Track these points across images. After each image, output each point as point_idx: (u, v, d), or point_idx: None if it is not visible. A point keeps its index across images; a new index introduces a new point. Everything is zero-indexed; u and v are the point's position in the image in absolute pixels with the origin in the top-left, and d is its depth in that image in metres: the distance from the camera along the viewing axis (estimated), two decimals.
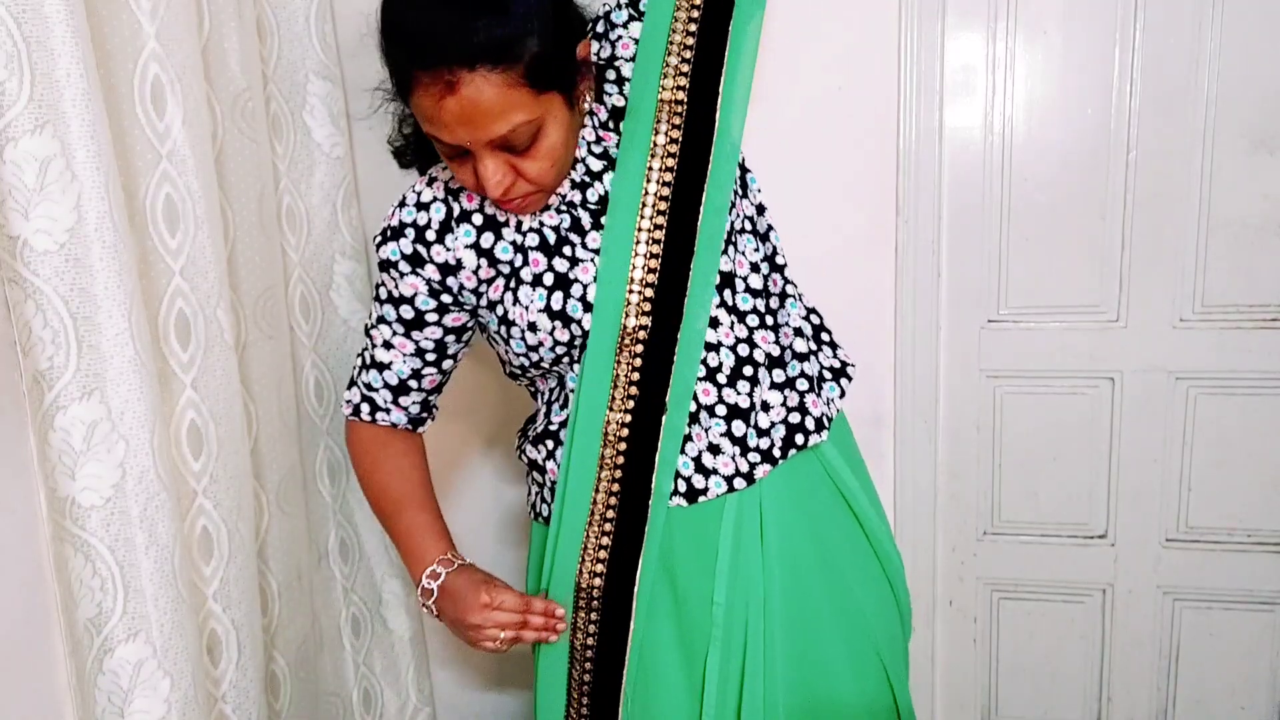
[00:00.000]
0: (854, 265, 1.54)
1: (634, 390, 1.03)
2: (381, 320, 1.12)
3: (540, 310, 1.03)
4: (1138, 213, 1.50)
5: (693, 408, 1.05)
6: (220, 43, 1.19)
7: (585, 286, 1.03)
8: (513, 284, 1.05)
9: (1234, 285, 1.50)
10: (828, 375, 1.15)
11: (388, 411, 1.16)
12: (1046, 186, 1.52)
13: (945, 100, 1.50)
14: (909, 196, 1.52)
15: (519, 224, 1.05)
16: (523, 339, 1.05)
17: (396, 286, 1.09)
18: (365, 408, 1.17)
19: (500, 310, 1.05)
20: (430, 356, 1.12)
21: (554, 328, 1.03)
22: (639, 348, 1.02)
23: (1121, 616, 1.65)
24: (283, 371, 1.33)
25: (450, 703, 1.82)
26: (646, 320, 1.02)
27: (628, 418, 1.03)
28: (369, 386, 1.15)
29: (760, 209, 1.12)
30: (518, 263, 1.05)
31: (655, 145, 1.02)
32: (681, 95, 1.02)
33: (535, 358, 1.07)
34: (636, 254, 1.02)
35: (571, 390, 1.08)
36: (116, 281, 0.96)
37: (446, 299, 1.08)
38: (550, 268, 1.04)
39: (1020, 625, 1.69)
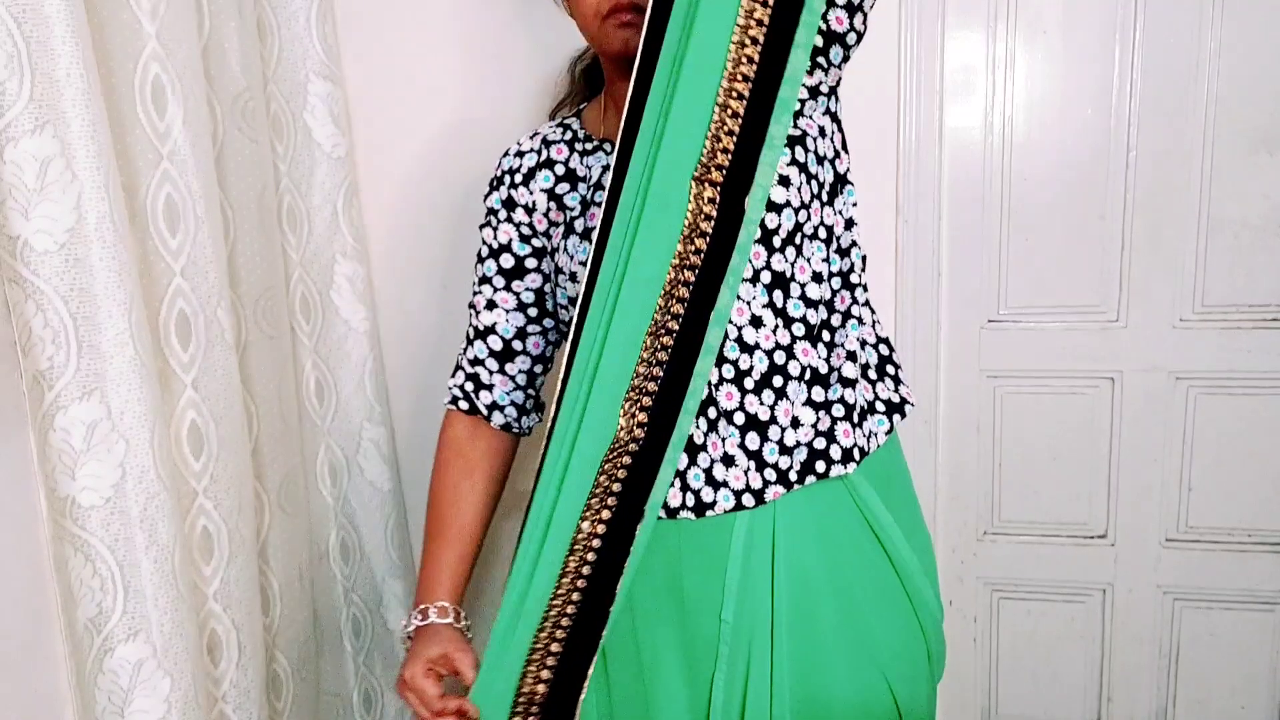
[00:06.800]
0: None
1: (611, 501, 0.95)
2: (484, 280, 1.14)
3: (581, 263, 1.05)
4: (1138, 213, 1.50)
5: (712, 414, 1.00)
6: (220, 43, 1.19)
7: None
8: (566, 233, 1.08)
9: (1234, 285, 1.50)
10: (880, 408, 1.08)
11: (491, 389, 1.15)
12: (1046, 186, 1.52)
13: (945, 100, 1.50)
14: (909, 197, 1.52)
15: (596, 181, 1.08)
16: (564, 290, 1.08)
17: (495, 236, 1.14)
18: (469, 387, 1.15)
19: (557, 257, 1.09)
20: (532, 311, 1.14)
21: None
22: (627, 459, 0.94)
23: (1121, 616, 1.65)
24: (283, 371, 1.33)
25: None
26: (641, 432, 0.94)
27: (601, 528, 0.96)
28: (474, 361, 1.15)
29: (849, 223, 1.06)
30: (577, 212, 1.08)
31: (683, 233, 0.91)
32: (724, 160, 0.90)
33: (572, 312, 1.03)
34: (642, 359, 0.93)
35: None
36: (117, 281, 0.96)
37: (538, 243, 1.12)
38: None
39: (1020, 625, 1.69)
